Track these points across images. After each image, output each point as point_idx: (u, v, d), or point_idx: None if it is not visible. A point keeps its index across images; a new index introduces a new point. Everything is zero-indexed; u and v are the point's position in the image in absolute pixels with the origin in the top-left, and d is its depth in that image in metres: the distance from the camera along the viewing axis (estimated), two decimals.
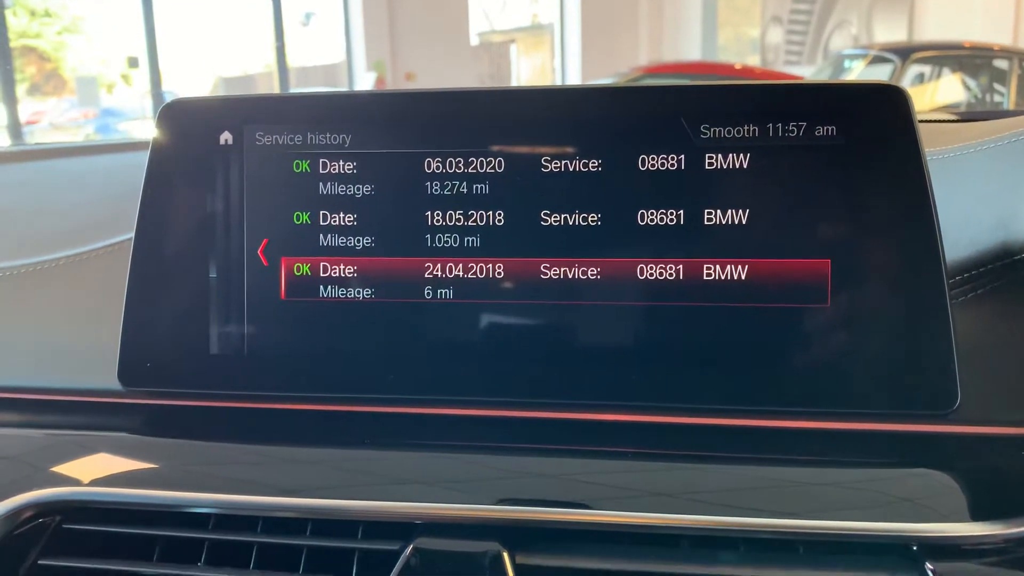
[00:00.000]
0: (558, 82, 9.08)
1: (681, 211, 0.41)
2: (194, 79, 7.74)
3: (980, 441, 0.40)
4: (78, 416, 0.45)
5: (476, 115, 0.42)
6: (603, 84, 0.40)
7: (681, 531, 0.36)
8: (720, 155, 0.40)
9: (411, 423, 0.43)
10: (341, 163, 0.43)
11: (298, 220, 0.43)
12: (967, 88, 4.32)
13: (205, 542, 0.39)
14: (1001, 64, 4.28)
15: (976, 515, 0.36)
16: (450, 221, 0.42)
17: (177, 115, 0.45)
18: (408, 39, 7.46)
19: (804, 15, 8.34)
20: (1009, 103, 4.13)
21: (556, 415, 0.42)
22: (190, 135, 0.44)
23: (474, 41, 8.65)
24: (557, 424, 0.42)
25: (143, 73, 6.44)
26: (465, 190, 0.42)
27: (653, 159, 0.41)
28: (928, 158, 0.40)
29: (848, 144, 0.40)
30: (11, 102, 5.58)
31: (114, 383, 0.44)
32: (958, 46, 4.48)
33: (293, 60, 7.45)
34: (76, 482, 0.41)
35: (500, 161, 0.42)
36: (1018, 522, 0.35)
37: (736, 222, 0.40)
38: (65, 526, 0.40)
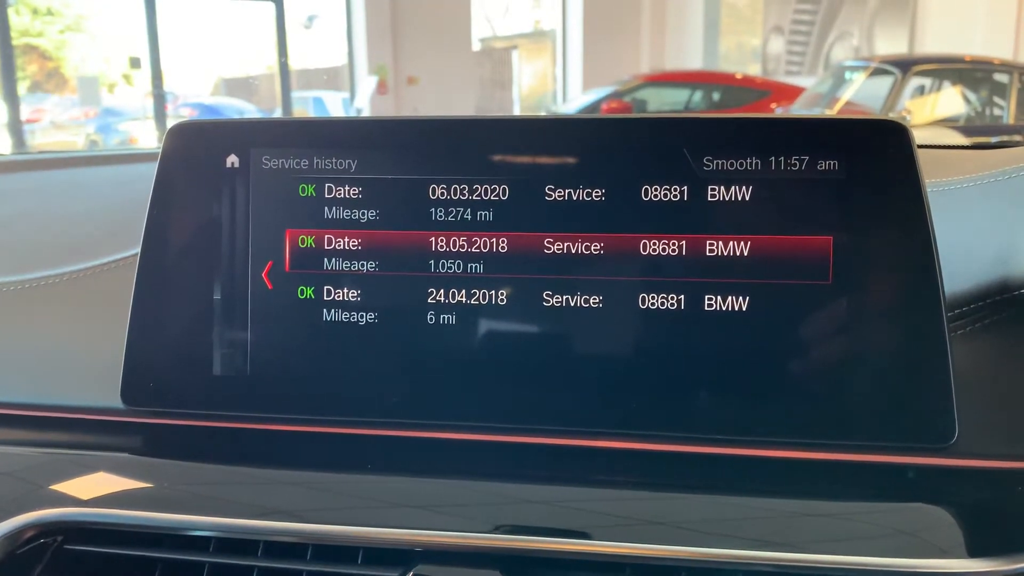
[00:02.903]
0: (559, 89, 9.10)
1: (683, 241, 0.41)
2: (196, 80, 7.75)
3: (978, 475, 0.40)
4: (80, 434, 0.46)
5: (481, 143, 0.43)
6: (607, 116, 0.41)
7: (680, 563, 0.36)
8: (723, 187, 0.41)
9: (413, 447, 0.43)
10: (347, 188, 0.43)
11: (303, 244, 0.44)
12: (967, 101, 4.33)
13: (206, 565, 0.39)
14: (1001, 78, 4.30)
15: (974, 551, 0.36)
16: (454, 247, 0.42)
17: (184, 137, 0.45)
18: (410, 44, 7.48)
19: (806, 26, 8.37)
20: (1009, 117, 4.14)
21: (558, 442, 0.42)
22: (197, 157, 0.45)
23: (476, 47, 8.67)
24: (559, 451, 0.42)
25: (145, 73, 6.46)
26: (469, 217, 0.42)
27: (656, 189, 0.41)
28: (929, 190, 0.40)
29: (850, 178, 0.40)
30: (12, 100, 5.58)
31: (117, 402, 0.44)
32: (959, 59, 4.50)
33: (295, 62, 7.46)
34: (78, 502, 0.41)
35: (504, 189, 0.42)
36: (1017, 558, 0.35)
37: (737, 253, 0.41)
38: (67, 547, 0.40)
